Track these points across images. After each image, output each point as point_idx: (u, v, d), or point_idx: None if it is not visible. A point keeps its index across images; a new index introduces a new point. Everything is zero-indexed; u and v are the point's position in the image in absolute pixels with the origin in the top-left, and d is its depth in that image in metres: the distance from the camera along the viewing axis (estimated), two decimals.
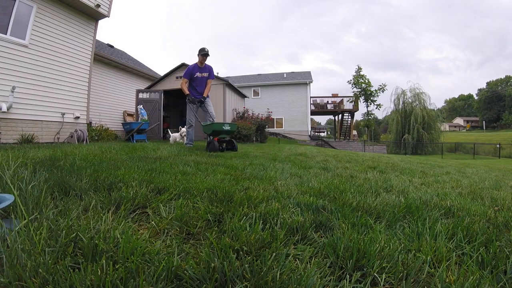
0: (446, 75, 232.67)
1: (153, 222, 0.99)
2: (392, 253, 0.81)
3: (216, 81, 10.85)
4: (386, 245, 0.85)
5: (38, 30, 5.77)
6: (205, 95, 5.07)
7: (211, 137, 4.47)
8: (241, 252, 0.78)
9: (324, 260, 0.79)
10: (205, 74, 5.10)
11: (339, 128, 23.69)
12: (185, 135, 5.32)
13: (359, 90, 23.80)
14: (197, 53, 4.99)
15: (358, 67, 24.59)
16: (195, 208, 1.13)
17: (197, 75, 5.03)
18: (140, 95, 10.25)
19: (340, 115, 23.25)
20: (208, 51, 4.97)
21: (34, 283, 0.60)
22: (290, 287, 0.63)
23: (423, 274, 0.73)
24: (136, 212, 1.12)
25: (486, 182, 2.69)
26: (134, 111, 10.70)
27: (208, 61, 5.13)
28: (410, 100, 27.01)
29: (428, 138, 25.12)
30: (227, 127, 4.52)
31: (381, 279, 0.70)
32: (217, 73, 16.00)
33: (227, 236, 0.86)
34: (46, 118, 6.01)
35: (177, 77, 10.97)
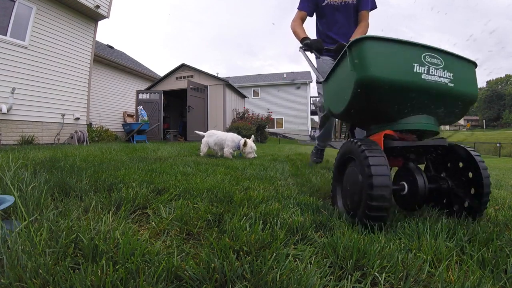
0: None
1: (153, 223, 0.99)
2: (392, 252, 0.81)
3: (216, 81, 10.85)
4: (386, 244, 0.85)
5: (38, 31, 5.78)
6: (355, 36, 2.12)
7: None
8: (241, 252, 0.78)
9: (324, 260, 0.79)
10: None
11: (339, 128, 23.64)
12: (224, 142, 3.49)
13: None
14: None
15: None
16: (195, 209, 1.14)
17: (328, 1, 2.33)
18: (140, 96, 10.25)
19: None
20: None
21: (34, 284, 0.60)
22: (290, 287, 0.63)
23: (423, 274, 0.73)
24: (136, 212, 1.12)
25: None
26: (134, 112, 10.70)
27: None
28: None
29: None
30: None
31: (381, 279, 0.70)
32: (217, 73, 16.02)
33: (227, 236, 0.86)
34: (46, 119, 6.02)
35: (177, 78, 10.98)
